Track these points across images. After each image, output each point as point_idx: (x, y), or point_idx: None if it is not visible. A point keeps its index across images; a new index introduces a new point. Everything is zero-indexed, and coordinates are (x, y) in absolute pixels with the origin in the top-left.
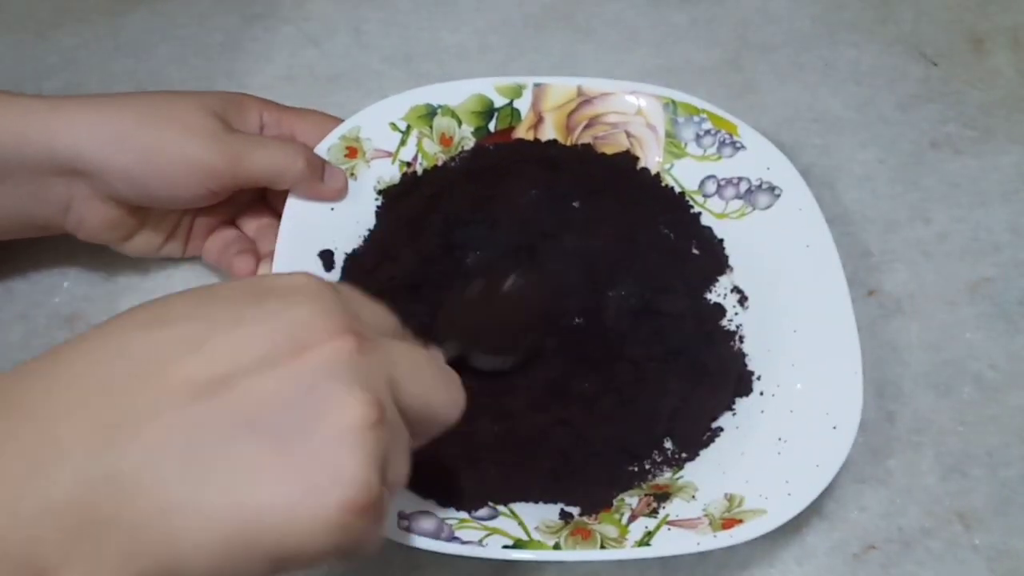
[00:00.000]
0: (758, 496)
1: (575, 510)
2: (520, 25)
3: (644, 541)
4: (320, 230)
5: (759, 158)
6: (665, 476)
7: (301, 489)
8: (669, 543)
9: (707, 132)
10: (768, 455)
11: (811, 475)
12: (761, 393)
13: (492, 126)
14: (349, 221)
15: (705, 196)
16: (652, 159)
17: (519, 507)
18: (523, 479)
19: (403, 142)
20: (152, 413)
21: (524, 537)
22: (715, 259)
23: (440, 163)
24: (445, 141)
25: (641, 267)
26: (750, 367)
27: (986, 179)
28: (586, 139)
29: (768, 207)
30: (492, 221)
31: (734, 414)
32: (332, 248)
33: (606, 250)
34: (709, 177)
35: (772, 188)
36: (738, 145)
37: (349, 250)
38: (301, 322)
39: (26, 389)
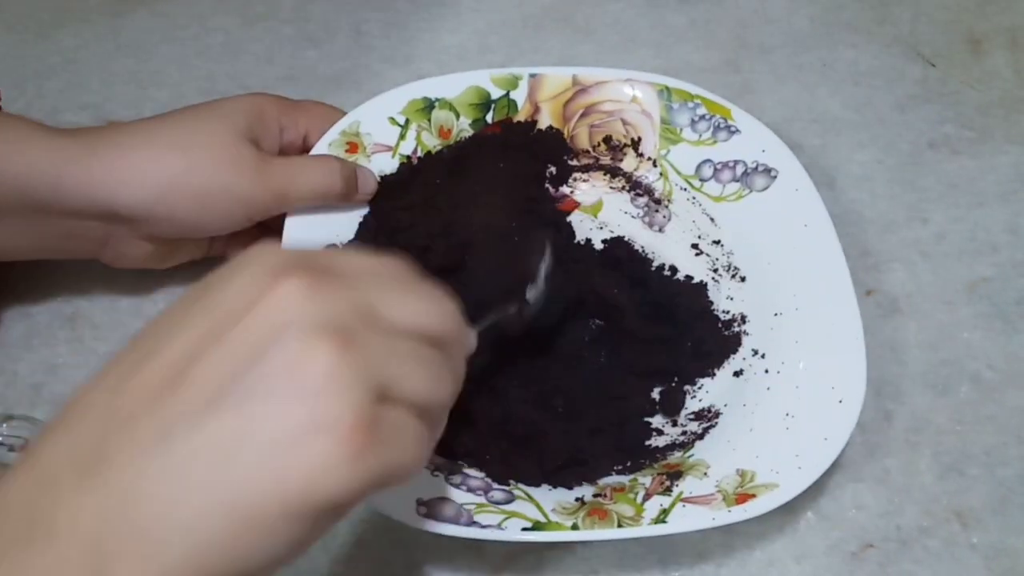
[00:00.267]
0: (769, 471)
1: (587, 491)
2: (520, 26)
3: (660, 519)
4: (325, 224)
5: (754, 141)
6: (676, 455)
7: (287, 445)
8: (685, 520)
9: (702, 117)
10: (777, 430)
11: (820, 448)
12: (766, 371)
13: (490, 117)
14: (354, 215)
15: (702, 180)
16: (648, 145)
17: (534, 490)
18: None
19: (402, 136)
20: (122, 433)
21: (542, 519)
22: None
23: (434, 151)
24: (444, 134)
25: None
26: (754, 346)
27: (984, 179)
28: (582, 127)
29: (765, 189)
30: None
31: (713, 378)
32: (337, 242)
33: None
34: (705, 161)
35: (768, 170)
36: (733, 129)
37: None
38: (239, 289)
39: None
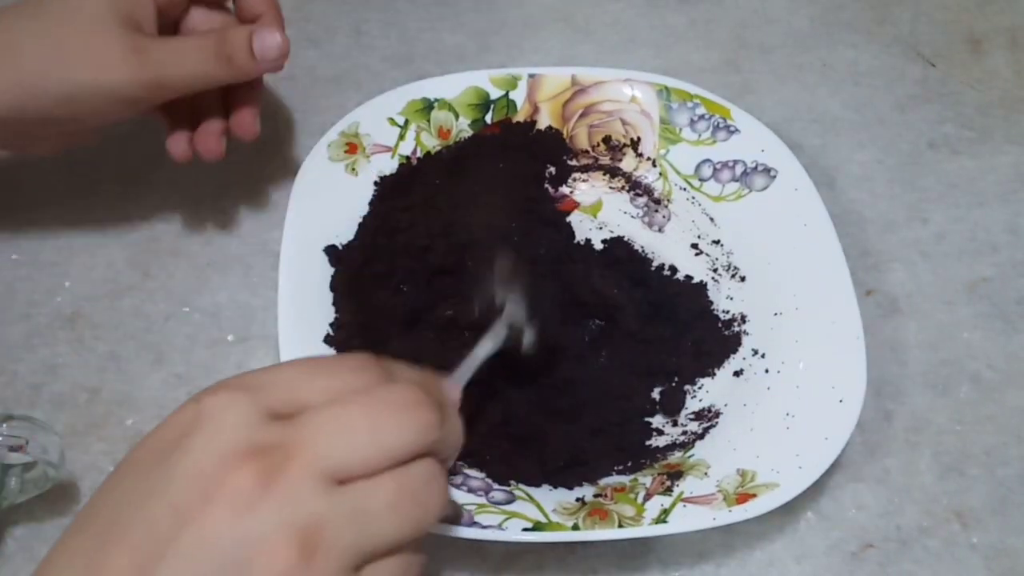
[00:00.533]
0: (770, 471)
1: (588, 491)
2: (519, 26)
3: (661, 519)
4: (323, 226)
5: (753, 140)
6: (677, 455)
7: None
8: (686, 520)
9: (701, 117)
10: (777, 430)
11: (821, 448)
12: (767, 371)
13: (489, 118)
14: (353, 216)
15: (701, 180)
16: (648, 145)
17: (535, 491)
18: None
19: (402, 136)
20: None
21: (543, 519)
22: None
23: (433, 151)
24: (443, 134)
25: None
26: (754, 346)
27: (984, 179)
28: (582, 127)
29: (764, 188)
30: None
31: (713, 378)
32: (337, 243)
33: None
34: (705, 161)
35: (768, 169)
36: (732, 129)
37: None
38: (190, 477)
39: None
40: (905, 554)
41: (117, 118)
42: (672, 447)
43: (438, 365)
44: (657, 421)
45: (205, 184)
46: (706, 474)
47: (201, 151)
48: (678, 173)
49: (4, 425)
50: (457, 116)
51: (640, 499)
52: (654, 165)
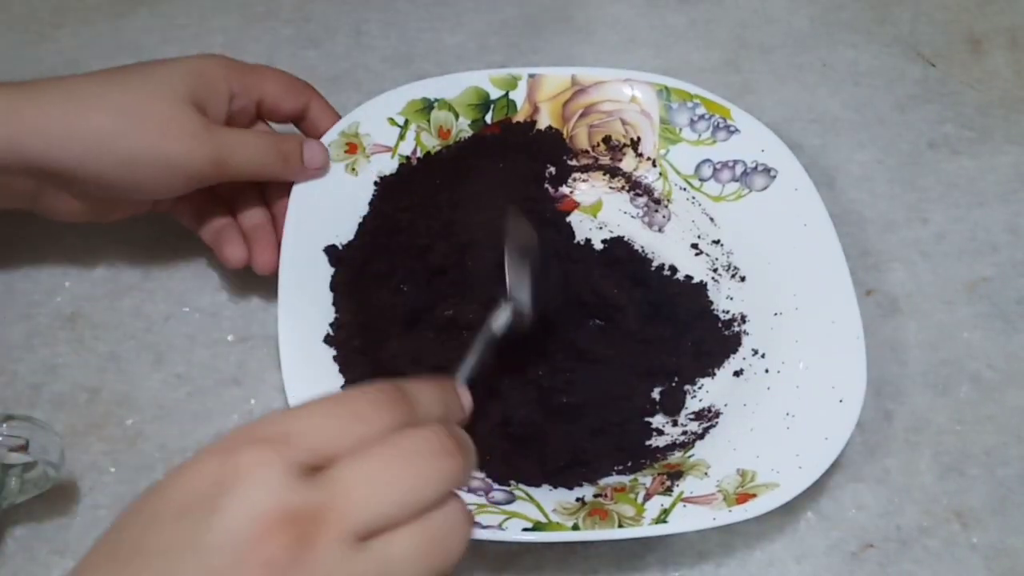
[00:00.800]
0: (770, 470)
1: (588, 491)
2: (520, 26)
3: (661, 519)
4: (324, 226)
5: (753, 141)
6: (677, 455)
7: None
8: (686, 519)
9: (701, 117)
10: (777, 430)
11: (821, 448)
12: (767, 370)
13: (489, 118)
14: (353, 216)
15: (701, 180)
16: (648, 145)
17: (535, 491)
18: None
19: (402, 136)
20: None
21: (543, 519)
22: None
23: (433, 151)
24: (443, 134)
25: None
26: (754, 346)
27: (984, 179)
28: (582, 127)
29: (764, 188)
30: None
31: (713, 378)
32: (337, 243)
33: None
34: (705, 161)
35: (768, 169)
36: (732, 129)
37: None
38: (224, 542)
39: None
40: (905, 554)
41: (170, 191)
42: (672, 447)
43: (438, 365)
44: (657, 421)
45: None
46: (706, 474)
47: (258, 263)
48: (678, 173)
49: (4, 425)
50: (457, 116)
51: (640, 499)
52: (654, 165)
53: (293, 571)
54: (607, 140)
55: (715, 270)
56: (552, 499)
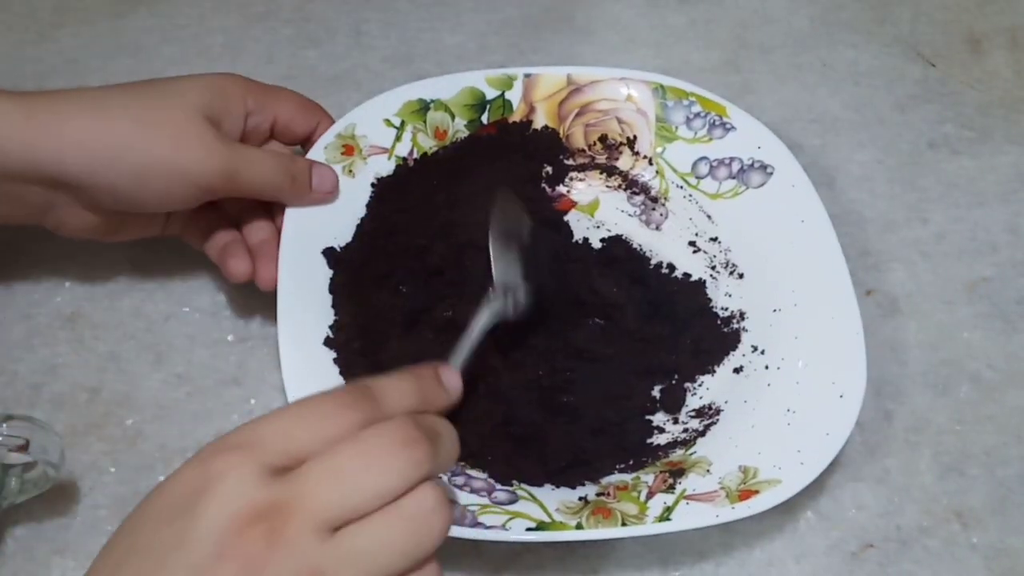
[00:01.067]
0: (772, 467)
1: (590, 490)
2: (520, 26)
3: (664, 516)
4: (322, 228)
5: (750, 138)
6: (678, 453)
7: None
8: (689, 517)
9: (697, 115)
10: (778, 426)
11: (822, 443)
12: (766, 367)
13: (485, 118)
14: (350, 218)
15: (698, 178)
16: (644, 144)
17: (537, 490)
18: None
19: (398, 138)
20: None
21: (546, 519)
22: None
23: (429, 152)
24: (439, 135)
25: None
26: (753, 343)
27: (984, 179)
28: (578, 127)
29: (761, 185)
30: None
31: (713, 375)
32: (335, 245)
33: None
34: (701, 159)
35: (764, 167)
36: (728, 126)
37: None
38: (204, 540)
39: None
40: (905, 554)
41: (180, 203)
42: (674, 445)
43: None
44: (658, 419)
45: None
46: (708, 471)
47: (261, 278)
48: (675, 171)
49: (4, 425)
50: (453, 117)
51: (643, 497)
52: (651, 163)
53: (268, 561)
54: (603, 139)
55: (713, 267)
56: (555, 498)
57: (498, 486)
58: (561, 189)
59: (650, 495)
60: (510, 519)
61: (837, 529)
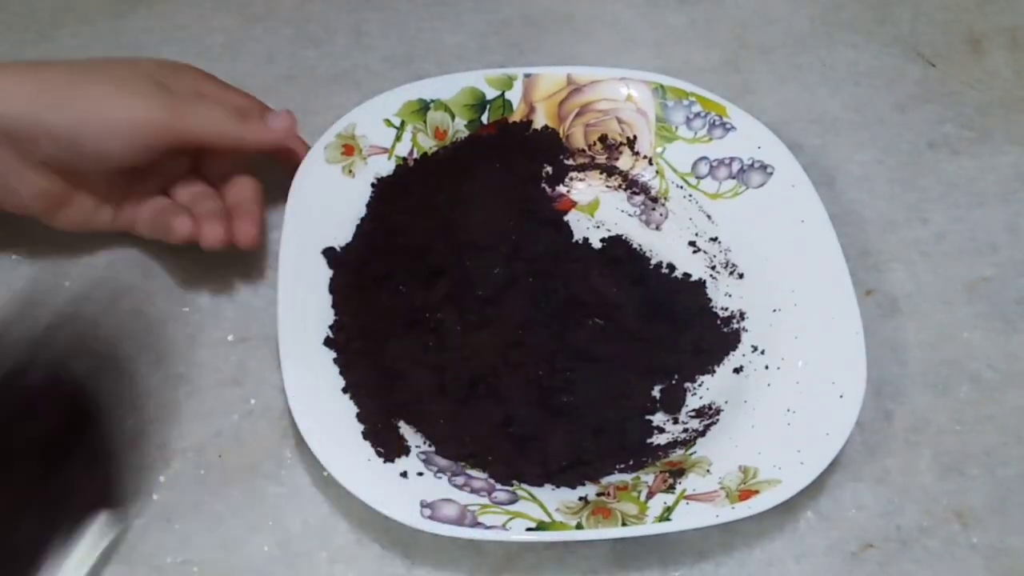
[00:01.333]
0: (772, 467)
1: (590, 490)
2: (520, 26)
3: (664, 516)
4: (322, 228)
5: (750, 138)
6: (678, 453)
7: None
8: (689, 517)
9: (697, 115)
10: (778, 426)
11: (822, 443)
12: (766, 367)
13: (485, 118)
14: (350, 218)
15: (698, 178)
16: (644, 144)
17: (537, 490)
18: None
19: (398, 138)
20: None
21: (546, 519)
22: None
23: (429, 152)
24: (439, 135)
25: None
26: (753, 343)
27: (984, 179)
28: (578, 127)
29: (761, 185)
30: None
31: (713, 375)
32: (336, 246)
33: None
34: (701, 159)
35: (764, 167)
36: (728, 126)
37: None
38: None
39: None
40: (905, 554)
41: (126, 151)
42: (673, 445)
43: (438, 365)
44: (658, 419)
45: None
46: (708, 471)
47: (241, 235)
48: (675, 171)
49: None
50: (453, 117)
51: (643, 497)
52: (651, 163)
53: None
54: (603, 139)
55: (713, 267)
56: (555, 498)
57: (498, 486)
58: (561, 189)
59: (650, 495)
60: (510, 519)
61: (837, 529)
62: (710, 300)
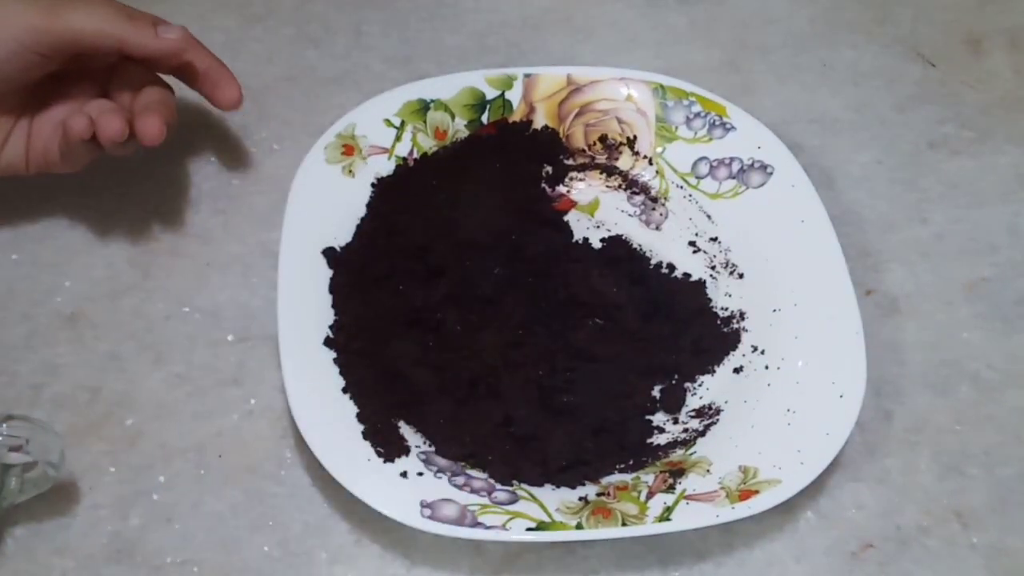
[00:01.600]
0: (772, 467)
1: (590, 490)
2: (519, 26)
3: (664, 516)
4: (322, 228)
5: (750, 138)
6: (678, 453)
7: None
8: (689, 517)
9: (697, 115)
10: (778, 426)
11: (822, 443)
12: (766, 367)
13: (485, 118)
14: (350, 218)
15: (698, 178)
16: (644, 143)
17: (537, 490)
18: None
19: (398, 138)
20: None
21: (546, 519)
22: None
23: (429, 152)
24: (439, 135)
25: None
26: (753, 343)
27: (983, 180)
28: (578, 127)
29: (761, 185)
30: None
31: (713, 375)
32: (336, 245)
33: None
34: (701, 159)
35: (764, 167)
36: (728, 126)
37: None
38: None
39: None
40: (905, 554)
41: (11, 57)
42: (674, 445)
43: (439, 365)
44: (658, 419)
45: (204, 184)
46: (708, 471)
47: (144, 131)
48: (675, 171)
49: (4, 425)
50: (453, 117)
51: (643, 497)
52: (651, 163)
53: None
54: (603, 139)
55: (713, 267)
56: (555, 498)
57: (498, 486)
58: (561, 189)
59: (650, 495)
60: (510, 519)
61: (837, 529)
62: (710, 300)
